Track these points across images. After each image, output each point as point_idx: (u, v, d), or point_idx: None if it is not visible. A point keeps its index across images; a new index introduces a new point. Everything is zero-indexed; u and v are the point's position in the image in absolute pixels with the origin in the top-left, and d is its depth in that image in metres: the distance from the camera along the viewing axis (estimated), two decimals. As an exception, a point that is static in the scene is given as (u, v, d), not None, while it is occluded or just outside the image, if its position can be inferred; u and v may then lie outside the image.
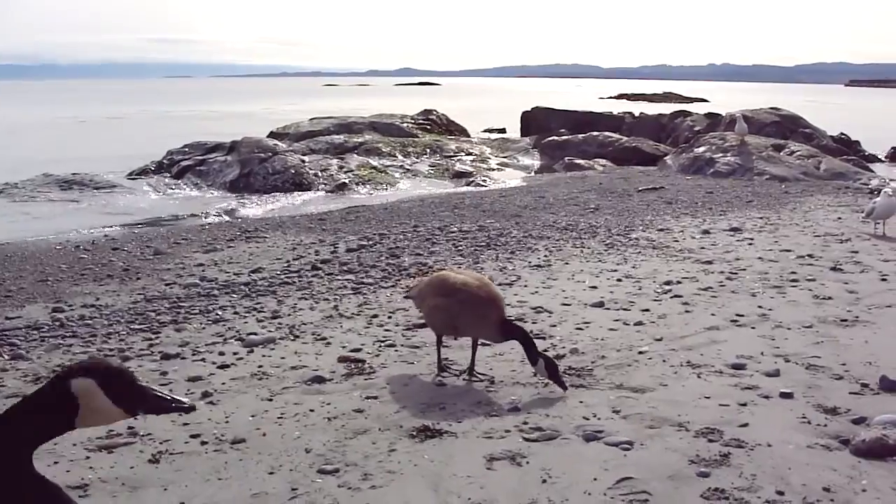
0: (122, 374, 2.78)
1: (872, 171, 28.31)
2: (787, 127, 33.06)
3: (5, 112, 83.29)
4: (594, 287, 11.48)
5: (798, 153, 27.85)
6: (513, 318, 7.75)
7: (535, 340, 7.78)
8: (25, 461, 2.71)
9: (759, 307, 10.27)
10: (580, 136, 35.01)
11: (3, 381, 7.98)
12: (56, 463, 6.04)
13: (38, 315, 10.49)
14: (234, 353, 8.78)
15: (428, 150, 32.75)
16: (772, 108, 35.59)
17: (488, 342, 8.33)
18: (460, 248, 14.48)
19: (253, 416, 7.03)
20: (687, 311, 10.16)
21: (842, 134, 35.73)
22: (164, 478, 5.88)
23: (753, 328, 9.40)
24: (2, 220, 21.44)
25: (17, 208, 23.49)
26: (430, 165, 30.67)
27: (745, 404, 7.06)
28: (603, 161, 31.65)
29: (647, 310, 10.24)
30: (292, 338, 9.34)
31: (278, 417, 6.99)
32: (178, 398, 2.88)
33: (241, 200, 25.14)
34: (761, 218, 17.57)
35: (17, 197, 24.99)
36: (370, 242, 15.18)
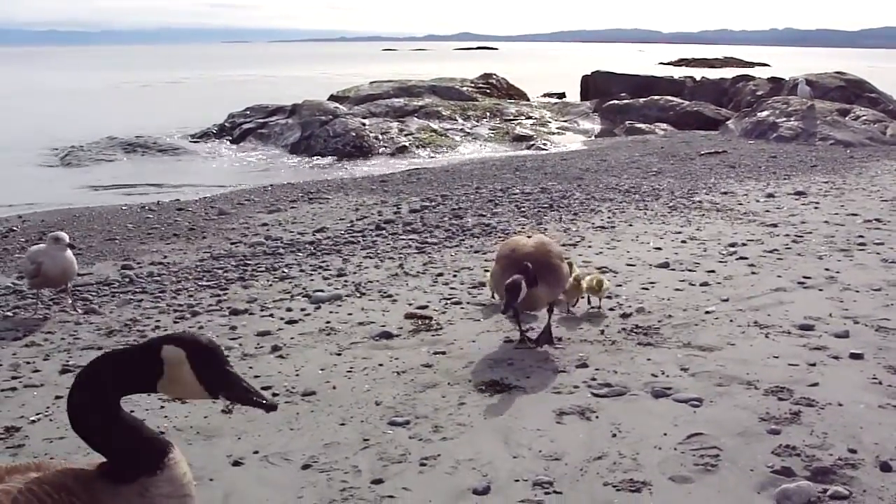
0: (214, 353, 2.79)
1: (941, 137, 27.76)
2: (852, 91, 32.45)
3: (71, 76, 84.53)
4: (658, 248, 11.43)
5: (864, 118, 27.39)
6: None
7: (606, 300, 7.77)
8: (112, 402, 2.80)
9: (826, 270, 10.15)
10: (641, 100, 34.69)
11: (78, 334, 8.17)
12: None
13: (107, 272, 10.68)
14: (302, 310, 8.89)
15: (488, 114, 32.67)
16: (836, 73, 34.95)
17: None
18: (523, 209, 14.47)
19: (322, 369, 7.13)
20: (753, 273, 10.08)
21: (910, 99, 35.02)
22: (237, 427, 5.99)
23: (821, 290, 9.30)
24: (68, 181, 21.81)
25: (83, 170, 23.86)
26: (490, 129, 30.61)
27: (814, 364, 7.01)
28: (664, 125, 31.36)
29: (712, 271, 10.18)
30: (358, 295, 9.42)
31: (347, 371, 7.08)
32: (262, 394, 2.86)
33: (303, 162, 25.32)
34: (826, 182, 17.33)
35: (83, 159, 25.39)
36: (433, 203, 15.22)
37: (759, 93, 34.80)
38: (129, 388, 2.82)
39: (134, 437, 2.79)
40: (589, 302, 8.82)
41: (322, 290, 9.54)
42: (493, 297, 8.93)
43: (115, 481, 2.74)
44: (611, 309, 8.64)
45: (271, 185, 19.04)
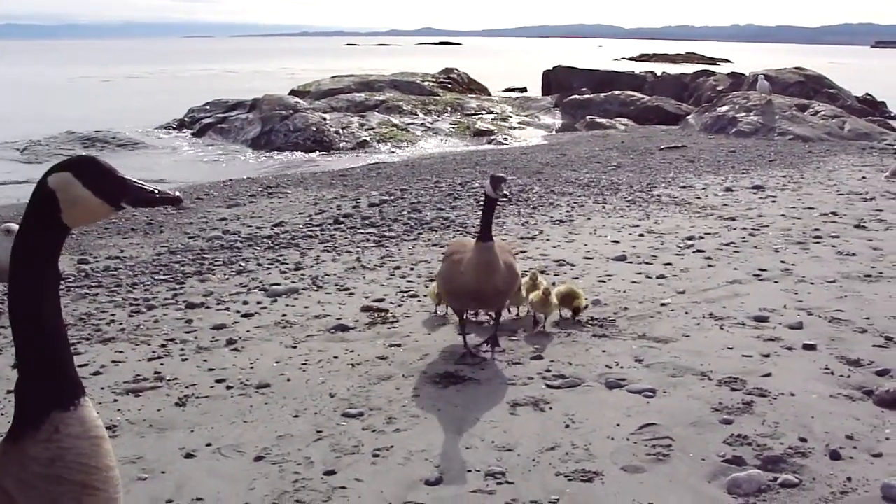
0: (99, 164, 2.69)
1: (897, 132, 28.04)
2: (812, 87, 32.76)
3: (30, 71, 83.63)
4: (616, 241, 11.48)
5: (822, 113, 27.61)
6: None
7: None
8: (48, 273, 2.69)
9: (782, 262, 10.24)
10: (602, 94, 34.86)
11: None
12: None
13: (63, 266, 10.55)
14: (258, 303, 8.85)
15: (449, 109, 32.67)
16: (796, 68, 35.27)
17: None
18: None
19: (277, 362, 7.10)
20: (709, 266, 10.15)
21: (867, 94, 35.40)
22: (190, 420, 5.96)
23: (776, 282, 9.37)
24: (26, 175, 21.52)
25: (41, 165, 23.57)
26: (451, 123, 30.60)
27: (767, 355, 7.07)
28: (625, 120, 31.55)
29: (669, 264, 10.24)
30: (315, 288, 9.39)
31: (302, 364, 7.05)
32: (164, 190, 2.76)
33: (263, 157, 25.23)
34: (784, 176, 17.46)
35: (41, 154, 25.11)
36: (392, 197, 15.19)
37: (720, 88, 35.04)
38: (48, 243, 2.68)
39: (62, 364, 2.68)
40: (560, 316, 8.18)
41: (279, 284, 9.50)
42: (436, 309, 8.58)
43: (20, 437, 2.62)
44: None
45: (230, 180, 18.94)
